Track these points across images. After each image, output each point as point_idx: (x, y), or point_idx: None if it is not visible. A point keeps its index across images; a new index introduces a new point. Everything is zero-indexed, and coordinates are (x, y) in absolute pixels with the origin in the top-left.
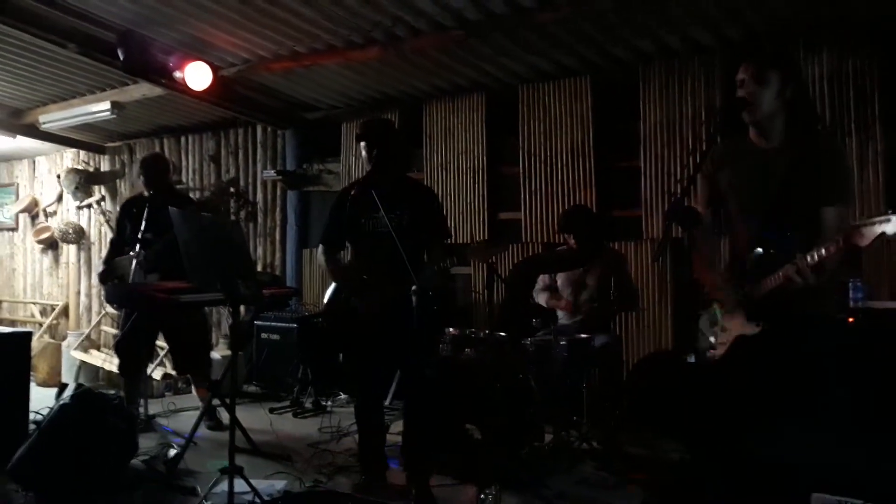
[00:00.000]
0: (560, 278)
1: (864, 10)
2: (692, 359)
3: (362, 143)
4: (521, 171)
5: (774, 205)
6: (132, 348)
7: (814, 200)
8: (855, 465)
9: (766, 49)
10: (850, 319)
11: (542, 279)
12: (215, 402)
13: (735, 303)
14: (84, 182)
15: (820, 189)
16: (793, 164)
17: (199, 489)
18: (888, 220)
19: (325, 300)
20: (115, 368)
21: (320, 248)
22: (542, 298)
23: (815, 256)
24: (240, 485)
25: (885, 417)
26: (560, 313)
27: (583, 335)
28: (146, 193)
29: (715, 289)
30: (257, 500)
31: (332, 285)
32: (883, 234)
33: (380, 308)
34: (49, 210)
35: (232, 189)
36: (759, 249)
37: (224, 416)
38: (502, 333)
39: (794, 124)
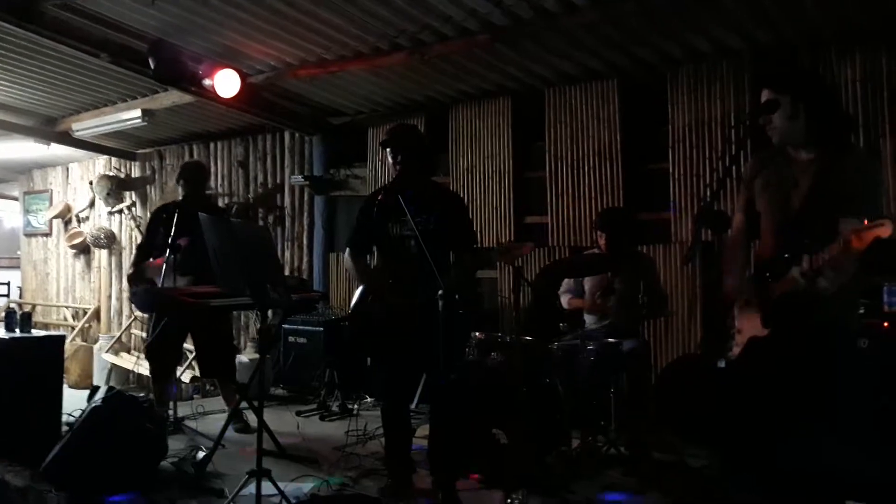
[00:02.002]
0: (588, 282)
1: None
2: (722, 363)
3: (388, 149)
4: (547, 174)
5: (797, 213)
6: (162, 352)
7: (835, 211)
8: (889, 474)
9: (777, 71)
10: (885, 325)
11: (567, 282)
12: (243, 405)
13: (750, 304)
14: (115, 188)
15: (842, 200)
16: (819, 175)
17: (226, 491)
18: (882, 225)
19: (353, 304)
20: (145, 371)
21: (347, 251)
22: (564, 300)
23: (818, 259)
24: (267, 487)
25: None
26: (588, 318)
27: (611, 339)
28: (179, 199)
29: (733, 291)
30: (284, 502)
31: (359, 289)
32: (878, 237)
33: (406, 312)
34: (81, 216)
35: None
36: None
37: (252, 418)
38: (529, 337)
39: (822, 136)
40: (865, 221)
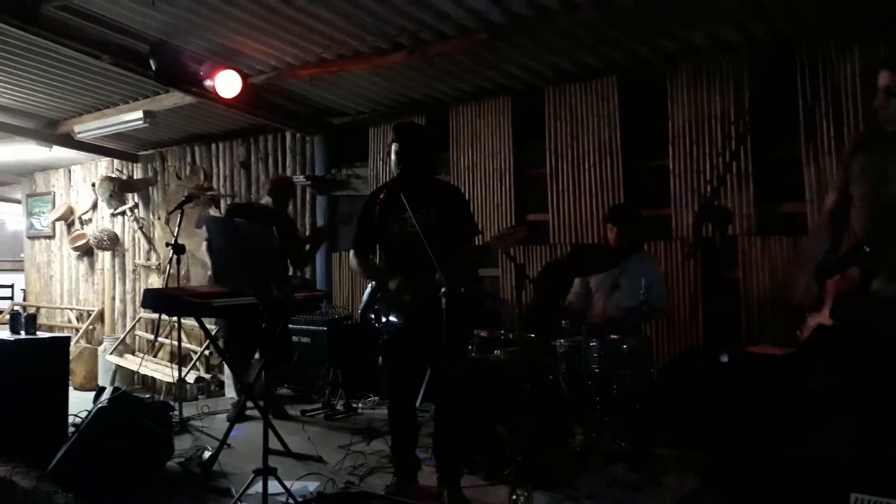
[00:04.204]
0: (593, 280)
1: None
2: (725, 359)
3: (394, 146)
4: (548, 172)
5: (889, 202)
6: (237, 347)
7: None
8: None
9: None
10: None
11: (577, 284)
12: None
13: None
14: (118, 190)
15: None
16: None
17: (233, 490)
18: None
19: (363, 303)
20: (150, 372)
21: (352, 252)
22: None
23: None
24: (273, 486)
25: None
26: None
27: (613, 336)
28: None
29: (807, 295)
30: (290, 500)
31: (368, 288)
32: None
33: (410, 308)
34: (84, 218)
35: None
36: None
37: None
38: (532, 335)
39: None
40: None
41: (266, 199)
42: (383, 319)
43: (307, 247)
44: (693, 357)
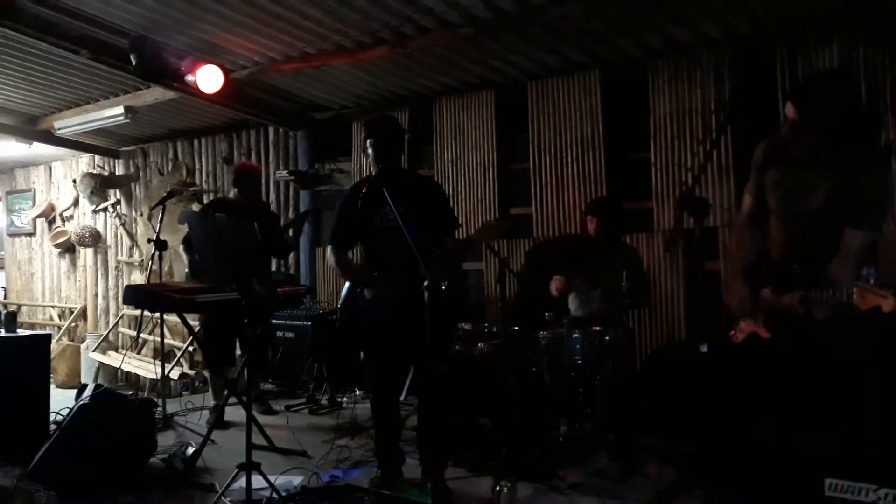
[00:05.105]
0: (574, 270)
1: (874, 1)
2: (705, 348)
3: (369, 141)
4: (531, 166)
5: (811, 219)
6: (216, 349)
7: (845, 219)
8: (868, 451)
9: (803, 85)
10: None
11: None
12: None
13: (752, 311)
14: (99, 186)
15: (853, 209)
16: (836, 183)
17: (217, 486)
18: (886, 297)
19: (342, 298)
20: (133, 369)
21: (329, 248)
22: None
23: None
24: (257, 481)
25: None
26: (572, 306)
27: (596, 328)
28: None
29: (739, 301)
30: (275, 495)
31: (347, 285)
32: (879, 307)
33: (393, 303)
34: (66, 214)
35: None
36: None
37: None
38: (515, 327)
39: (844, 140)
40: (871, 281)
41: (233, 192)
42: (365, 315)
43: (289, 232)
44: (675, 348)
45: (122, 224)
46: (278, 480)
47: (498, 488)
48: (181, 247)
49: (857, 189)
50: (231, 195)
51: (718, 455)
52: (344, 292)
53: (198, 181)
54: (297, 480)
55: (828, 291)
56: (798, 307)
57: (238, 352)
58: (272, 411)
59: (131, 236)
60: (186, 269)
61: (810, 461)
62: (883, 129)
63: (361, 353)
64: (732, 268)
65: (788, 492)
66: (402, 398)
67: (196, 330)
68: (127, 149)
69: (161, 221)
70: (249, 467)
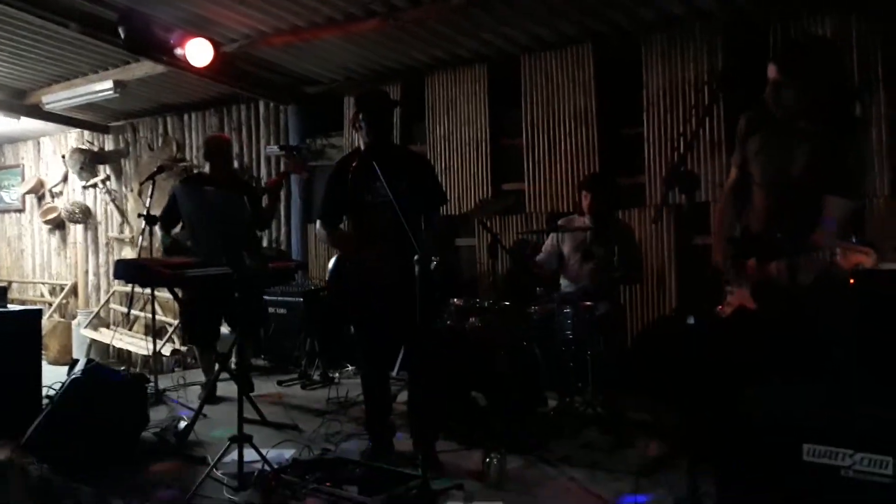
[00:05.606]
0: (566, 246)
1: None
2: (691, 320)
3: (360, 115)
4: (524, 141)
5: (792, 186)
6: (203, 324)
7: (825, 187)
8: (845, 416)
9: (791, 45)
10: (851, 281)
11: (546, 246)
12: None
13: (736, 277)
14: (89, 162)
15: (835, 179)
16: (816, 150)
17: (209, 458)
18: (867, 253)
19: (329, 270)
20: (125, 346)
21: (318, 222)
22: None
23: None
24: (249, 454)
25: (874, 371)
26: (563, 281)
27: (587, 303)
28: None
29: (723, 260)
30: (266, 467)
31: (333, 259)
32: (860, 264)
33: (383, 277)
34: (55, 191)
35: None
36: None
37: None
38: (507, 302)
39: (824, 108)
40: (853, 240)
41: (207, 166)
42: (354, 288)
43: (266, 197)
44: (665, 323)
45: (113, 200)
46: (270, 453)
47: (488, 460)
48: (158, 223)
49: (836, 156)
50: (206, 170)
51: (703, 427)
52: (331, 264)
53: (188, 156)
54: (288, 453)
55: (811, 255)
56: (783, 274)
57: (226, 328)
58: (250, 388)
59: (121, 212)
60: (159, 246)
61: (791, 429)
62: (861, 102)
63: (352, 328)
64: (716, 240)
65: (770, 460)
66: (393, 373)
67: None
68: (116, 124)
69: (151, 197)
70: (241, 440)
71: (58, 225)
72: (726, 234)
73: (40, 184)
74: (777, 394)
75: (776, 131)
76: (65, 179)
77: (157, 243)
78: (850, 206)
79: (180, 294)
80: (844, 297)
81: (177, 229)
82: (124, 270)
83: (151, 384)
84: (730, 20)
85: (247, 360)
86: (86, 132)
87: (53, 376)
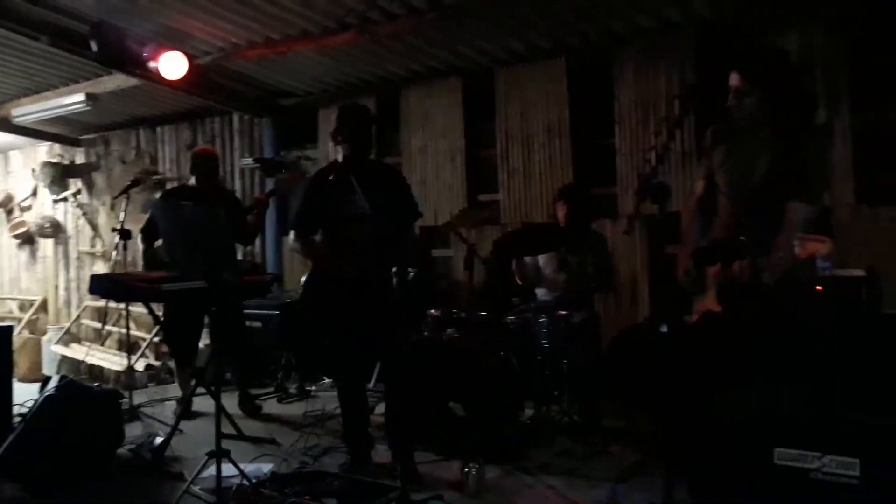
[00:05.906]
0: (542, 258)
1: None
2: (665, 329)
3: (340, 129)
4: (498, 152)
5: (755, 192)
6: (180, 338)
7: (787, 193)
8: (815, 422)
9: (753, 56)
10: (818, 288)
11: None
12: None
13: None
14: (60, 176)
15: (796, 184)
16: (777, 158)
17: (185, 474)
18: (824, 242)
19: (303, 283)
20: (97, 361)
21: (292, 234)
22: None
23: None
24: (227, 469)
25: (842, 375)
26: (539, 290)
27: (562, 312)
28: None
29: (684, 271)
30: (245, 482)
31: (308, 272)
32: (817, 252)
33: (360, 289)
34: (24, 205)
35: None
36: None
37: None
38: (483, 313)
39: (784, 117)
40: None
41: (192, 179)
42: (331, 301)
43: (253, 213)
44: (637, 331)
45: (84, 214)
46: (248, 468)
47: (466, 470)
48: (139, 236)
49: (797, 163)
50: (191, 182)
51: (677, 433)
52: (306, 277)
53: (161, 169)
54: (266, 467)
55: (773, 256)
56: (746, 274)
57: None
58: (257, 411)
59: (93, 226)
60: (141, 260)
61: (762, 432)
62: (824, 109)
63: (328, 341)
64: (682, 251)
65: (742, 464)
66: (370, 385)
67: (161, 321)
68: (88, 137)
69: (125, 210)
70: (219, 455)
71: (27, 239)
72: (691, 244)
73: (9, 198)
74: (748, 397)
75: (740, 140)
76: (34, 193)
77: (129, 257)
78: (811, 211)
79: (155, 309)
80: (808, 298)
81: (159, 242)
82: (100, 285)
83: (126, 400)
84: (699, 34)
85: (245, 379)
86: (56, 145)
87: (23, 394)
